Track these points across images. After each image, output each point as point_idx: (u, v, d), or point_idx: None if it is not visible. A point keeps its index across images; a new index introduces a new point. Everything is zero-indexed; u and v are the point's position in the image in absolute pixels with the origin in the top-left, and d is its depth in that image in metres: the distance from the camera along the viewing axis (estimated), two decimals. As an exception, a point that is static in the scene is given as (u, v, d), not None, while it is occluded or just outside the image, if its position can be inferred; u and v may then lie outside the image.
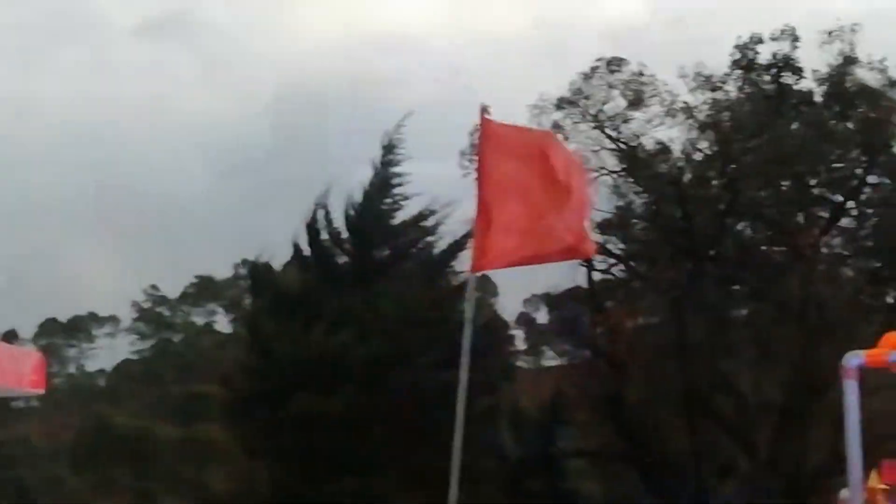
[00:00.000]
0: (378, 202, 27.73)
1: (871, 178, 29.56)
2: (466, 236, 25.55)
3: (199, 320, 74.32)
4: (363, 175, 28.10)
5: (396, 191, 28.03)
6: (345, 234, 27.77)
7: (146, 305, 77.01)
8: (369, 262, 27.40)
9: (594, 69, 29.68)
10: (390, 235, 27.95)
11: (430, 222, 28.08)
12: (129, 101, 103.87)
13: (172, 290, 75.11)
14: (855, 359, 8.61)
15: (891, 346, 8.53)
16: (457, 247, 27.44)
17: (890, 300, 30.09)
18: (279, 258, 28.39)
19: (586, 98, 29.55)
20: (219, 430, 33.27)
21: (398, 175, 28.01)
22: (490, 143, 10.45)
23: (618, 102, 29.81)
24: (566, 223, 10.30)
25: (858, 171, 29.43)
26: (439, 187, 28.16)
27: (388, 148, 27.93)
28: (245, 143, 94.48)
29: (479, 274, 10.86)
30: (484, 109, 10.50)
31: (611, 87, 29.72)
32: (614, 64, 29.68)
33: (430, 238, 28.20)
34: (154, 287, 76.84)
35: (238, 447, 27.81)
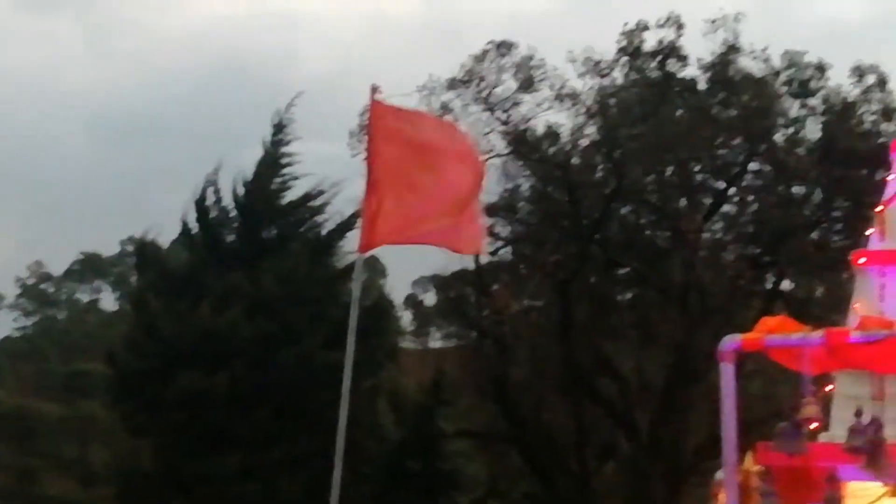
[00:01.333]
0: (267, 181, 27.64)
1: (753, 166, 30.14)
2: (355, 216, 25.62)
3: (85, 297, 73.17)
4: (253, 154, 27.99)
5: (286, 170, 27.97)
6: (233, 213, 27.65)
7: (30, 282, 75.58)
8: (257, 241, 27.31)
9: (485, 52, 29.81)
10: (279, 215, 27.88)
11: (318, 202, 28.09)
12: (12, 73, 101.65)
13: (58, 266, 73.83)
14: (731, 342, 8.82)
15: (767, 330, 8.75)
16: (345, 227, 27.50)
17: (769, 285, 30.70)
18: (167, 235, 28.19)
19: (477, 80, 29.68)
20: (102, 407, 32.85)
21: (288, 154, 27.95)
22: (379, 123, 10.50)
23: (508, 85, 30.00)
24: (457, 218, 10.38)
25: (740, 158, 29.99)
26: (329, 167, 28.23)
27: (278, 127, 27.85)
28: (135, 117, 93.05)
29: (366, 254, 10.92)
30: (374, 90, 10.54)
31: (501, 70, 29.88)
32: (505, 47, 29.83)
33: (318, 218, 28.21)
34: (38, 263, 75.42)
35: (122, 425, 27.56)
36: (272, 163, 27.64)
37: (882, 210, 10.47)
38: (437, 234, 10.55)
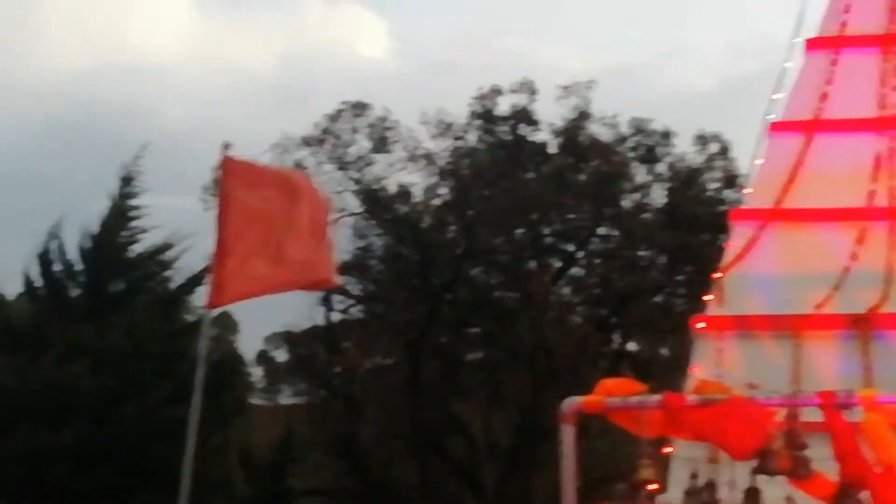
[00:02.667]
0: (115, 234, 27.21)
1: (601, 230, 30.70)
2: (204, 271, 25.37)
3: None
4: (102, 207, 27.57)
5: (134, 223, 27.58)
6: (79, 266, 27.14)
7: None
8: (104, 295, 26.84)
9: (339, 112, 29.97)
10: (126, 268, 27.46)
11: (168, 256, 27.73)
12: None
13: None
14: (572, 404, 8.96)
15: (606, 392, 8.92)
16: (194, 281, 27.18)
17: (615, 347, 31.21)
18: (11, 288, 27.55)
19: (332, 139, 29.79)
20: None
21: (136, 207, 27.57)
22: (230, 180, 10.50)
23: (362, 145, 30.16)
24: (308, 254, 10.43)
25: (589, 222, 30.51)
26: (183, 221, 27.87)
27: (126, 179, 27.46)
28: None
29: (215, 311, 10.87)
30: (225, 146, 10.55)
31: (355, 130, 30.06)
32: (359, 107, 30.04)
33: (167, 272, 27.84)
34: None
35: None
36: (120, 215, 27.22)
37: (720, 276, 10.80)
38: (287, 282, 10.59)
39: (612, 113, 30.22)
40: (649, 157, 30.30)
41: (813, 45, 11.76)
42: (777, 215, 10.96)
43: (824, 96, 11.37)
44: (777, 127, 11.49)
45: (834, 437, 8.03)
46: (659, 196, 30.60)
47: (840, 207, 10.76)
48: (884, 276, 10.24)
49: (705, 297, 10.92)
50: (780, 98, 11.73)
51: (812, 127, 11.25)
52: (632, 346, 31.49)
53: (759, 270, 10.72)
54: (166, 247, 27.61)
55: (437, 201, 30.62)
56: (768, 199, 11.10)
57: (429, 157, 30.08)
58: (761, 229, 10.97)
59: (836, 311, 10.20)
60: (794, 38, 11.94)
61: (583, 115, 30.04)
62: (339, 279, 12.85)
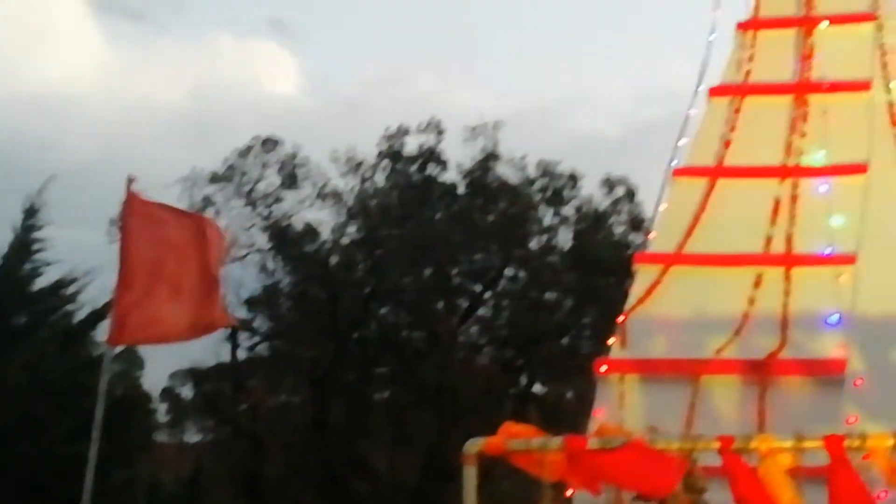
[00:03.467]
0: (17, 267, 26.78)
1: (508, 271, 30.87)
2: (107, 306, 25.06)
3: None
4: (3, 238, 27.13)
5: (37, 256, 27.17)
6: (-20, 299, 26.66)
7: None
8: (5, 329, 26.37)
9: (249, 147, 29.89)
10: (28, 301, 27.02)
11: (71, 290, 27.34)
12: None
13: None
14: (475, 446, 8.96)
15: (509, 435, 8.92)
16: (97, 316, 26.81)
17: (521, 388, 31.31)
18: None
19: (240, 175, 29.67)
20: None
21: (40, 240, 27.17)
22: (135, 215, 10.45)
23: (271, 181, 30.06)
24: (203, 298, 10.40)
25: (496, 263, 30.66)
26: (85, 254, 27.49)
27: (30, 212, 27.07)
28: None
29: (117, 347, 10.78)
30: (130, 181, 10.48)
31: (265, 165, 29.97)
32: (269, 143, 29.97)
33: (70, 306, 27.44)
34: None
35: None
36: (22, 248, 26.78)
37: (623, 320, 10.89)
38: (186, 329, 10.53)
39: (521, 154, 30.49)
40: (556, 200, 30.56)
41: (716, 92, 11.96)
42: (679, 259, 11.08)
43: (727, 143, 11.56)
44: (680, 172, 11.64)
45: (733, 482, 8.10)
46: (566, 238, 30.87)
47: (739, 253, 10.92)
48: (780, 321, 10.40)
49: (609, 340, 11.01)
50: (685, 144, 11.88)
51: (714, 173, 11.43)
52: (538, 388, 31.64)
53: (661, 314, 10.83)
54: (70, 280, 27.22)
55: (345, 240, 30.62)
56: (671, 244, 11.22)
57: (338, 196, 30.09)
58: (664, 273, 11.08)
59: (736, 355, 10.33)
60: (699, 85, 12.13)
61: (491, 157, 30.26)
62: (232, 320, 12.80)
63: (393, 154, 30.21)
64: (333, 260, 30.47)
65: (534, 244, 30.62)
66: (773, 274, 10.75)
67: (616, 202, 30.64)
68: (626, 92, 59.87)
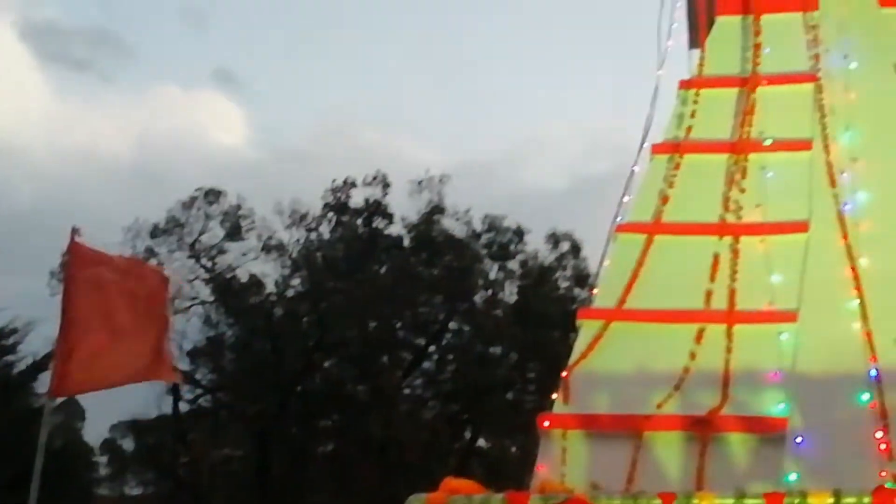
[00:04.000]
0: (-43, 317, 26.52)
1: (453, 325, 30.89)
2: (48, 358, 24.81)
3: None
4: (-57, 287, 26.83)
5: (-22, 305, 26.90)
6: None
7: None
8: (-58, 380, 26.06)
9: (193, 199, 29.81)
10: (-33, 353, 26.73)
11: (10, 341, 27.08)
12: None
13: None
14: (417, 501, 8.94)
15: (450, 491, 8.91)
16: (38, 367, 26.57)
17: (466, 442, 31.25)
18: None
19: (182, 226, 29.57)
20: None
21: (-19, 290, 26.95)
22: (78, 264, 10.40)
23: (215, 233, 29.98)
24: (148, 346, 10.36)
25: (441, 316, 30.68)
26: (27, 303, 27.29)
27: (-28, 261, 26.89)
28: None
29: (58, 399, 10.69)
30: (74, 232, 10.44)
31: (208, 217, 29.89)
32: (213, 195, 29.91)
33: (9, 357, 27.17)
34: None
35: None
36: (-37, 298, 26.56)
37: (566, 375, 10.91)
38: (131, 374, 10.49)
39: (466, 208, 30.60)
40: (502, 254, 30.69)
41: (658, 149, 12.08)
42: (621, 315, 11.12)
43: (664, 199, 11.66)
44: (622, 228, 11.72)
45: (674, 537, 8.15)
46: (511, 293, 30.94)
47: (680, 309, 10.98)
48: (722, 378, 10.46)
49: (553, 395, 11.01)
50: (628, 200, 11.97)
51: (654, 229, 11.51)
52: (483, 442, 31.58)
53: (603, 370, 10.85)
54: (10, 331, 26.98)
55: (290, 292, 30.54)
56: (613, 299, 11.28)
57: (282, 248, 30.04)
58: (606, 329, 11.13)
59: (677, 411, 10.36)
60: (643, 141, 12.26)
61: (436, 210, 30.37)
62: (177, 373, 12.73)
63: (339, 206, 30.24)
64: (278, 312, 30.37)
65: (479, 298, 30.67)
66: (715, 330, 10.81)
67: (561, 257, 30.82)
68: (574, 146, 60.39)
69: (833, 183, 11.36)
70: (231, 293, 30.03)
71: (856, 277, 10.66)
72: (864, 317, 10.41)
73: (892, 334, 10.29)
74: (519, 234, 30.65)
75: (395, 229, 30.67)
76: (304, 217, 30.06)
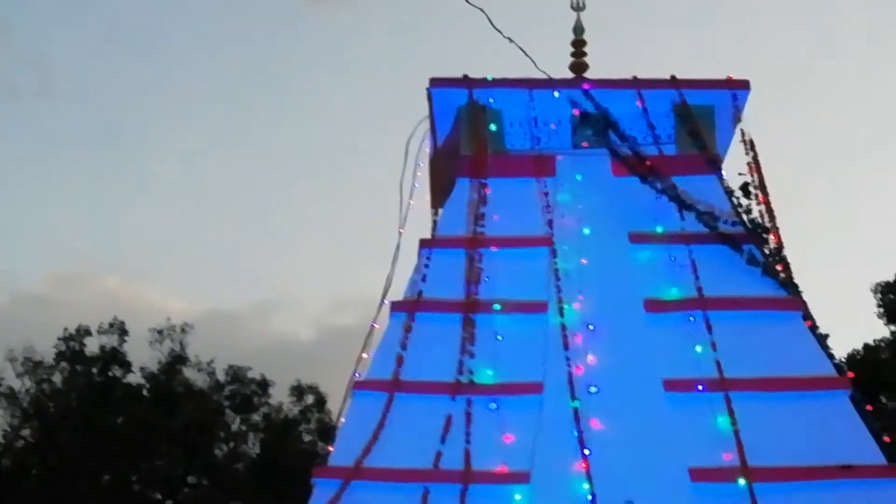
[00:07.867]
0: None
1: (191, 479, 30.13)
2: None
3: None
4: None
5: None
6: None
7: None
8: None
9: None
10: None
11: None
12: None
13: None
14: None
15: None
16: None
17: None
18: None
19: None
20: None
21: None
22: None
23: None
24: None
25: (179, 470, 29.90)
26: None
27: None
28: None
29: None
30: None
31: None
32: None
33: None
34: None
35: None
36: None
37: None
38: None
39: (209, 358, 30.16)
40: (245, 406, 30.29)
41: (396, 307, 12.16)
42: (356, 474, 11.02)
43: (399, 358, 11.72)
44: (360, 385, 11.70)
45: None
46: (253, 445, 30.47)
47: (410, 469, 10.96)
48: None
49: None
50: (368, 356, 11.97)
51: (389, 387, 11.52)
52: None
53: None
54: None
55: (19, 443, 29.33)
56: (350, 458, 11.16)
57: (13, 396, 28.93)
58: (343, 488, 10.98)
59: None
60: (384, 298, 12.32)
61: (178, 360, 29.84)
62: None
63: (73, 355, 29.38)
64: (5, 464, 29.05)
65: (219, 451, 30.08)
66: (449, 490, 10.78)
67: (306, 410, 30.62)
68: (321, 299, 60.42)
69: (566, 346, 11.59)
70: (-45, 444, 28.65)
71: (581, 440, 10.87)
72: (590, 479, 10.60)
73: (621, 496, 10.48)
74: (263, 385, 30.35)
75: (135, 378, 29.96)
76: (38, 364, 29.06)
